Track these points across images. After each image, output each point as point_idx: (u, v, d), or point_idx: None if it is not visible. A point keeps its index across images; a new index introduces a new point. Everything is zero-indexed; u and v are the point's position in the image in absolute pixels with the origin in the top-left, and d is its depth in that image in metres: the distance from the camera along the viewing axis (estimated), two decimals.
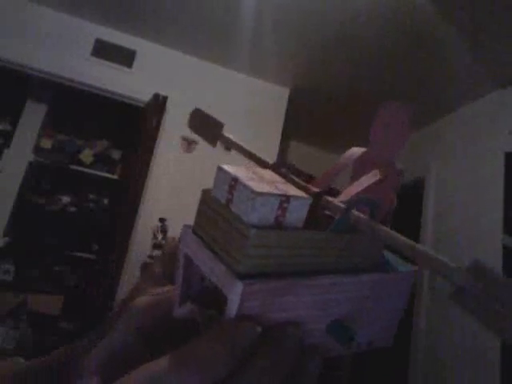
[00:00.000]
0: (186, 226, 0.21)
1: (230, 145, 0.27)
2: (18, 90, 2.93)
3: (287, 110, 2.95)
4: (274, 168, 0.23)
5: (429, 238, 2.56)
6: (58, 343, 0.30)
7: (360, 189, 0.21)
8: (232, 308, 0.17)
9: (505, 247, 1.98)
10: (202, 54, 2.76)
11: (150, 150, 2.51)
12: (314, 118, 3.39)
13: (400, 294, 0.23)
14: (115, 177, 3.15)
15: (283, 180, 0.20)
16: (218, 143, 0.27)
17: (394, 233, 0.18)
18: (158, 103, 2.53)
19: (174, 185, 2.61)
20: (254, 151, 0.25)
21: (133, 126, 2.85)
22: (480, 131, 2.37)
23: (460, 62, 2.16)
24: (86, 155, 3.11)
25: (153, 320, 0.21)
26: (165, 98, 2.55)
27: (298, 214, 0.18)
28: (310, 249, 0.19)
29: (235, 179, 0.18)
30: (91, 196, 3.18)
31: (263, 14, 2.14)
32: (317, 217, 0.20)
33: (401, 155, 0.23)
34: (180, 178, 2.64)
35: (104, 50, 2.63)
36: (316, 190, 0.21)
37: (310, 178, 0.22)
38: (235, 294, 0.16)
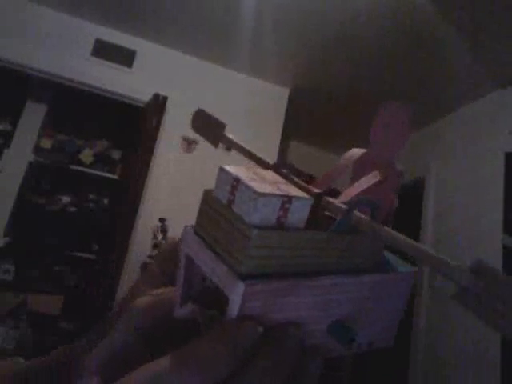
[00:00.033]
0: (187, 227, 0.21)
1: (231, 145, 0.27)
2: (18, 90, 2.93)
3: (287, 110, 2.95)
4: (275, 168, 0.23)
5: (429, 238, 2.56)
6: (58, 343, 0.30)
7: (360, 190, 0.21)
8: (233, 308, 0.17)
9: (505, 247, 1.98)
10: (202, 54, 2.76)
11: (149, 150, 2.51)
12: (313, 118, 3.39)
13: (400, 295, 0.23)
14: (115, 177, 3.15)
15: (284, 181, 0.20)
16: (220, 144, 0.27)
17: (395, 233, 0.18)
18: (158, 103, 2.53)
19: (173, 185, 2.61)
20: (254, 152, 0.25)
21: (133, 126, 2.85)
22: (480, 131, 2.37)
23: (460, 62, 2.16)
24: (86, 155, 3.11)
25: (153, 320, 0.21)
26: (165, 98, 2.55)
27: (299, 214, 0.18)
28: (312, 249, 0.19)
29: (237, 180, 0.18)
30: (91, 196, 3.18)
31: (263, 14, 2.14)
32: (317, 217, 0.20)
33: (401, 155, 0.23)
34: (180, 178, 2.64)
35: (104, 50, 2.63)
36: (317, 190, 0.21)
37: (310, 179, 0.22)
38: (237, 295, 0.16)
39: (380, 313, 0.22)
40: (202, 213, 0.20)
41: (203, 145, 2.60)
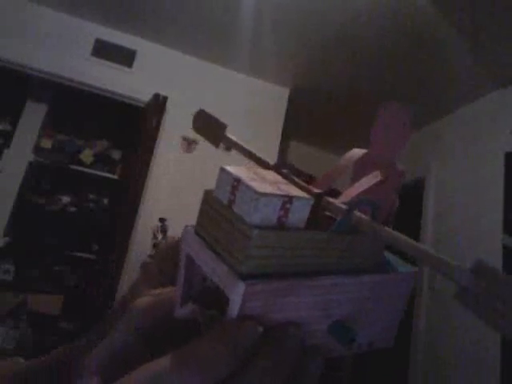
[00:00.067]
0: (187, 227, 0.21)
1: (232, 146, 0.27)
2: (18, 90, 2.93)
3: (287, 110, 2.95)
4: (276, 169, 0.23)
5: (429, 238, 2.56)
6: (58, 343, 0.30)
7: (361, 190, 0.21)
8: (234, 308, 0.17)
9: (505, 247, 1.98)
10: (202, 54, 2.76)
11: (150, 150, 2.51)
12: (313, 118, 3.39)
13: (400, 295, 0.23)
14: (115, 177, 3.15)
15: (285, 181, 0.20)
16: (220, 144, 0.27)
17: (396, 233, 0.18)
18: (158, 103, 2.53)
19: (173, 185, 2.61)
20: (255, 152, 0.25)
21: (133, 126, 2.85)
22: (480, 131, 2.37)
23: (460, 63, 2.16)
24: (86, 155, 3.11)
25: (154, 320, 0.21)
26: (165, 98, 2.55)
27: (300, 214, 0.18)
28: (312, 249, 0.19)
29: (238, 180, 0.18)
30: (91, 196, 3.18)
31: (263, 13, 2.14)
32: (318, 218, 0.20)
33: (401, 155, 0.23)
34: (180, 178, 2.64)
35: (104, 50, 2.63)
36: (317, 190, 0.21)
37: (310, 179, 0.22)
38: (237, 295, 0.16)
39: (380, 313, 0.22)
40: (202, 213, 0.20)
41: (203, 145, 2.60)
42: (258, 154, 0.25)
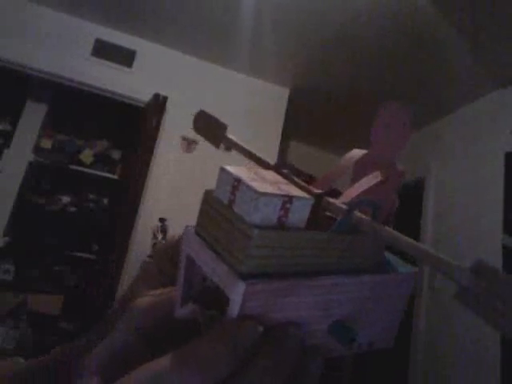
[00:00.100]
0: (188, 227, 0.21)
1: (232, 146, 0.27)
2: (18, 90, 2.93)
3: (287, 110, 2.95)
4: (276, 169, 0.23)
5: (429, 238, 2.56)
6: (58, 343, 0.30)
7: (361, 190, 0.21)
8: (234, 308, 0.17)
9: (505, 247, 1.98)
10: (202, 54, 2.76)
11: (150, 150, 2.51)
12: (313, 118, 3.39)
13: (401, 295, 0.23)
14: (115, 177, 3.15)
15: (285, 181, 0.20)
16: (220, 144, 0.27)
17: (396, 233, 0.18)
18: (158, 103, 2.53)
19: (174, 185, 2.61)
20: (255, 152, 0.25)
21: (133, 126, 2.85)
22: (480, 131, 2.37)
23: (460, 63, 2.16)
24: (86, 155, 3.11)
25: (154, 320, 0.21)
26: (165, 98, 2.55)
27: (300, 214, 0.18)
28: (312, 249, 0.19)
29: (238, 180, 0.18)
30: (91, 196, 3.18)
31: (263, 13, 2.14)
32: (318, 218, 0.20)
33: (401, 155, 0.23)
34: (180, 178, 2.64)
35: (104, 50, 2.63)
36: (318, 190, 0.21)
37: (309, 178, 0.22)
38: (237, 295, 0.16)
39: (380, 313, 0.22)
40: (202, 213, 0.20)
41: (203, 145, 2.60)
42: (258, 154, 0.25)
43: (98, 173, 3.11)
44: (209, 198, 0.20)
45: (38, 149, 3.00)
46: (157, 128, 2.53)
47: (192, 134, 2.59)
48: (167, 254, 0.28)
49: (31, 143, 2.97)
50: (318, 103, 3.11)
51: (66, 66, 2.52)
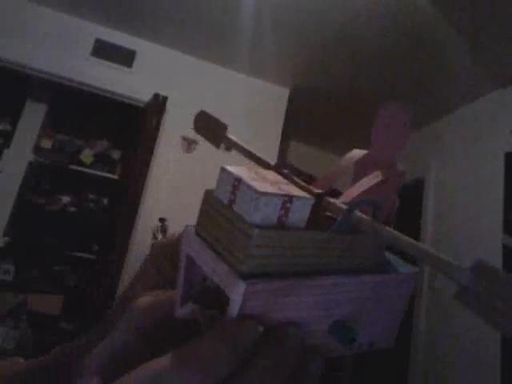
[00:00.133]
0: (188, 226, 0.21)
1: (233, 146, 0.27)
2: (18, 90, 2.93)
3: (287, 110, 2.95)
4: (276, 169, 0.23)
5: (429, 238, 2.56)
6: (58, 343, 0.30)
7: (362, 190, 0.21)
8: (234, 308, 0.17)
9: (505, 247, 1.98)
10: (202, 54, 2.76)
11: (150, 150, 2.51)
12: (313, 118, 3.39)
13: (401, 295, 0.23)
14: (115, 177, 3.15)
15: (286, 181, 0.20)
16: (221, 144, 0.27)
17: (397, 233, 0.18)
18: (158, 103, 2.53)
19: (174, 185, 2.61)
20: (255, 152, 0.25)
21: (133, 126, 2.85)
22: (480, 131, 2.37)
23: (460, 63, 2.16)
24: (86, 155, 3.11)
25: (154, 320, 0.21)
26: (165, 98, 2.55)
27: (300, 214, 0.18)
28: (312, 249, 0.19)
29: (238, 179, 0.18)
30: (91, 196, 3.18)
31: (262, 13, 2.14)
32: (318, 217, 0.20)
33: (401, 155, 0.23)
34: (180, 178, 2.64)
35: (104, 50, 2.63)
36: (318, 190, 0.21)
37: (309, 178, 0.22)
38: (237, 294, 0.16)
39: (381, 313, 0.22)
40: (203, 213, 0.20)
41: (203, 145, 2.60)
42: (258, 154, 0.25)
43: (98, 173, 3.11)
44: (209, 198, 0.20)
45: (37, 149, 3.00)
46: (157, 128, 2.53)
47: (192, 134, 2.59)
48: (165, 252, 0.28)
49: (31, 143, 2.97)
50: (318, 103, 3.10)
51: (66, 66, 2.52)
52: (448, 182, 2.55)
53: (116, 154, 3.25)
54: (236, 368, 0.16)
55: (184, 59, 2.79)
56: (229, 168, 0.19)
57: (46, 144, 3.04)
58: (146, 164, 2.48)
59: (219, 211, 0.19)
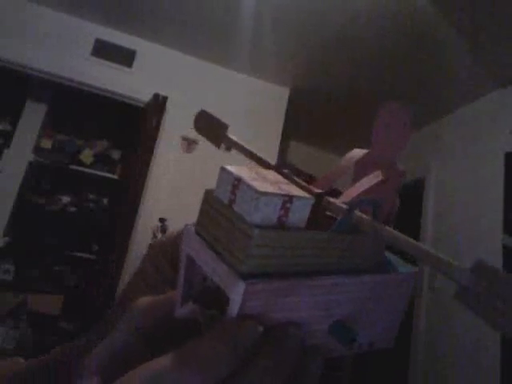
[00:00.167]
0: (188, 225, 0.21)
1: (233, 146, 0.27)
2: (18, 90, 2.93)
3: (287, 110, 2.95)
4: (277, 169, 0.23)
5: (429, 238, 2.56)
6: (58, 343, 0.30)
7: (362, 190, 0.21)
8: (234, 308, 0.17)
9: (505, 247, 1.98)
10: (202, 54, 2.76)
11: (150, 150, 2.51)
12: (313, 118, 3.39)
13: (401, 295, 0.23)
14: (115, 177, 3.15)
15: (286, 180, 0.20)
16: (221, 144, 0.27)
17: (397, 233, 0.18)
18: (158, 103, 2.53)
19: (174, 185, 2.61)
20: (255, 152, 0.25)
21: (133, 126, 2.85)
22: (480, 131, 2.37)
23: (460, 63, 2.16)
24: (86, 155, 3.11)
25: (154, 320, 0.21)
26: (165, 98, 2.55)
27: (300, 214, 0.18)
28: (312, 249, 0.19)
29: (238, 179, 0.18)
30: (91, 196, 3.18)
31: (263, 14, 2.14)
32: (318, 217, 0.20)
33: (401, 155, 0.23)
34: (180, 178, 2.64)
35: (104, 50, 2.63)
36: (318, 190, 0.21)
37: (309, 178, 0.22)
38: (237, 294, 0.16)
39: (381, 313, 0.22)
40: (202, 212, 0.20)
41: (203, 145, 2.60)
42: (259, 154, 0.25)
43: (98, 173, 3.11)
44: (209, 198, 0.20)
45: (37, 149, 3.00)
46: (157, 128, 2.53)
47: (192, 134, 2.59)
48: (163, 251, 0.28)
49: (31, 143, 2.97)
50: (318, 103, 3.10)
51: (66, 65, 2.52)
52: (448, 182, 2.55)
53: (116, 154, 3.25)
54: (236, 368, 0.16)
55: (184, 59, 2.79)
56: (229, 168, 0.19)
57: (46, 144, 3.04)
58: (146, 164, 2.48)
59: (219, 211, 0.19)
